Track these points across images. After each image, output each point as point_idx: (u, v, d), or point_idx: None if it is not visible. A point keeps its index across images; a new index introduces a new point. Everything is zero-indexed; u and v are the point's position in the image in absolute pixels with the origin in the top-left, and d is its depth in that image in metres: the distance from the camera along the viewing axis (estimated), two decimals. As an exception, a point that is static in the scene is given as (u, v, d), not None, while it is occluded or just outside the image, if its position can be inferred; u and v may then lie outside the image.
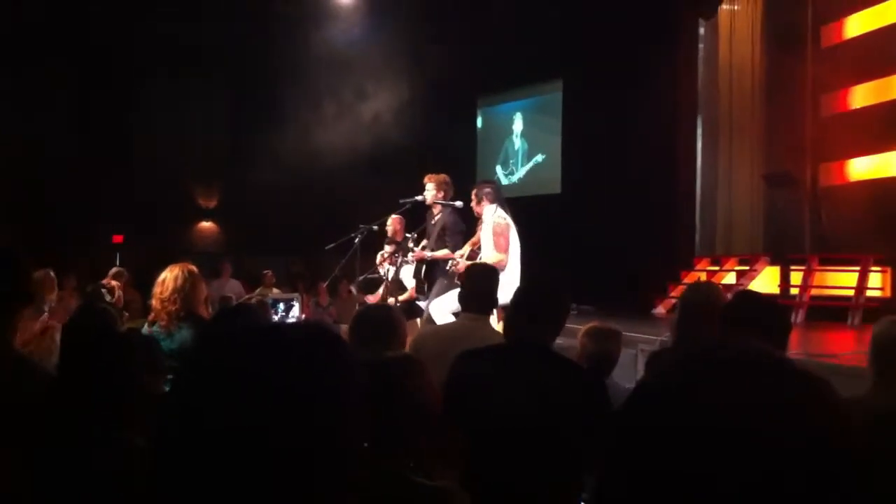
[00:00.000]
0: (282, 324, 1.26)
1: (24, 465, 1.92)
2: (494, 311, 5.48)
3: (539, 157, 15.18)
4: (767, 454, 0.63)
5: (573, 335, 4.05)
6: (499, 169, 15.92)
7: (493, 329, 3.84)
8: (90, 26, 13.40)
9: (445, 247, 6.73)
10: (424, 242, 7.05)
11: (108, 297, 8.12)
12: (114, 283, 9.31)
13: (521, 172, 15.57)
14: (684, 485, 0.65)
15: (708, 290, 3.04)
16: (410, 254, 6.90)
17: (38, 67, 13.07)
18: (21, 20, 12.76)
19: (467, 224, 6.84)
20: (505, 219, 6.26)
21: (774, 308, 2.54)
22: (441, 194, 6.76)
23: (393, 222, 7.60)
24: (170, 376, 3.64)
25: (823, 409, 0.67)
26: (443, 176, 6.85)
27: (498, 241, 6.15)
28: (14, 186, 13.09)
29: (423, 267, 6.85)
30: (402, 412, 1.91)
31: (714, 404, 0.66)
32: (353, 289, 7.88)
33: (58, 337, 3.82)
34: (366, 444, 0.97)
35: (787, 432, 0.64)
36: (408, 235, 7.13)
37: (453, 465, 2.19)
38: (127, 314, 7.01)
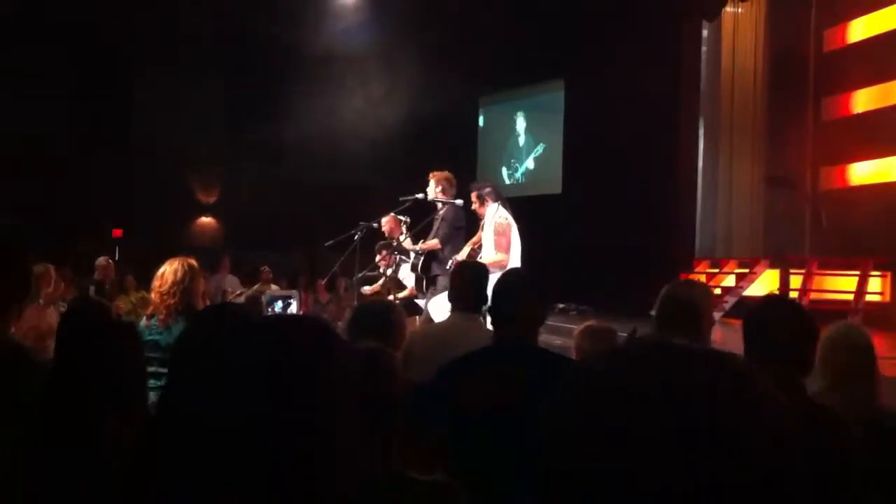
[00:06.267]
0: (276, 317, 1.26)
1: (19, 461, 1.91)
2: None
3: (540, 157, 15.17)
4: (688, 452, 0.61)
5: (570, 335, 4.03)
6: (503, 169, 15.92)
7: (484, 327, 3.81)
8: (87, 18, 13.36)
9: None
10: (422, 242, 7.03)
11: (91, 291, 8.13)
12: (101, 261, 9.30)
13: (523, 172, 15.57)
14: (604, 484, 0.62)
15: (689, 288, 3.01)
16: (406, 246, 6.89)
17: (37, 61, 13.06)
18: (20, 18, 12.76)
19: (468, 223, 6.82)
20: (507, 218, 6.24)
21: (800, 323, 2.40)
22: (440, 189, 6.74)
23: (388, 222, 7.57)
24: (165, 370, 3.65)
25: (755, 406, 0.65)
26: (446, 173, 6.83)
27: (499, 240, 6.13)
28: (14, 181, 13.07)
29: (422, 262, 6.80)
30: (386, 405, 1.89)
31: (632, 399, 0.64)
32: (353, 285, 7.87)
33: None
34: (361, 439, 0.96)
35: (715, 429, 0.62)
36: (401, 238, 7.13)
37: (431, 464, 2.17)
38: (116, 304, 7.04)
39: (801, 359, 2.31)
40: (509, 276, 2.89)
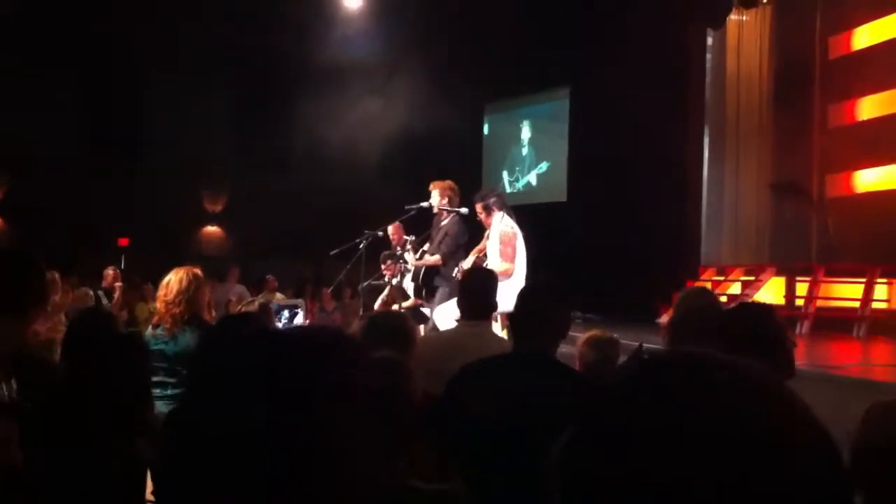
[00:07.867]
0: (290, 328, 1.25)
1: (32, 464, 1.92)
2: (498, 317, 5.47)
3: (545, 165, 15.18)
4: (705, 459, 0.61)
5: (574, 343, 4.02)
6: (505, 176, 15.92)
7: (493, 335, 3.79)
8: (92, 27, 13.42)
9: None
10: (426, 247, 7.04)
11: (104, 300, 8.16)
12: (116, 284, 9.39)
13: (527, 180, 15.57)
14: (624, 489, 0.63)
15: (702, 296, 3.00)
16: (406, 258, 6.92)
17: (42, 69, 13.12)
18: (22, 20, 12.82)
19: (472, 232, 6.82)
20: (512, 227, 6.23)
21: (768, 322, 2.47)
22: (445, 200, 6.74)
23: (393, 230, 7.57)
24: (171, 379, 3.66)
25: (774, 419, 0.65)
26: (447, 182, 6.84)
27: (505, 250, 6.12)
28: (19, 189, 13.13)
29: (423, 272, 6.83)
30: (396, 413, 1.88)
31: (653, 408, 0.65)
32: (358, 293, 7.89)
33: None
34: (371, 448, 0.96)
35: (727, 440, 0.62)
36: (406, 238, 7.13)
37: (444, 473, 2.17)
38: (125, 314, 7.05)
39: (785, 361, 2.31)
40: (535, 288, 2.87)
